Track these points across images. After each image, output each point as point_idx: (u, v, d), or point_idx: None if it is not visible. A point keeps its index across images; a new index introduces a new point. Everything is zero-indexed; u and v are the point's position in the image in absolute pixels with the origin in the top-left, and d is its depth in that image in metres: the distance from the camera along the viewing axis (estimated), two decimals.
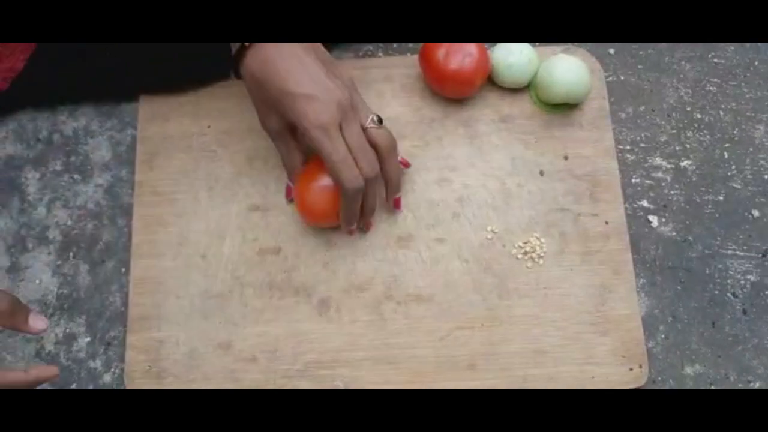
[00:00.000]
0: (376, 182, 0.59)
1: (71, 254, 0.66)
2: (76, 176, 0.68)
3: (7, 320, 0.47)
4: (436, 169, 0.67)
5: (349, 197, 0.57)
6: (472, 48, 0.63)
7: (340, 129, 0.55)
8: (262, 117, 0.59)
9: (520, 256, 0.64)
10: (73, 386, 0.63)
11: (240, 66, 0.57)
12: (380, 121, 0.58)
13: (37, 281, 0.66)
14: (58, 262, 0.66)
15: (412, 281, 0.64)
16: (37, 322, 0.48)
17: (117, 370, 0.63)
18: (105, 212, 0.67)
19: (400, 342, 0.62)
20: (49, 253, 0.66)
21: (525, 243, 0.64)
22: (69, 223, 0.67)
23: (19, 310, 0.47)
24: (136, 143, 0.68)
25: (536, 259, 0.64)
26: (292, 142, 0.61)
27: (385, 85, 0.68)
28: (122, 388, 0.62)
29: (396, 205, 0.64)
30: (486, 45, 0.66)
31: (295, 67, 0.54)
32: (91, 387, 0.63)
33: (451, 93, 0.67)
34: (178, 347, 0.62)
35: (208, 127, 0.68)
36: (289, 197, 0.65)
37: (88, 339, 0.64)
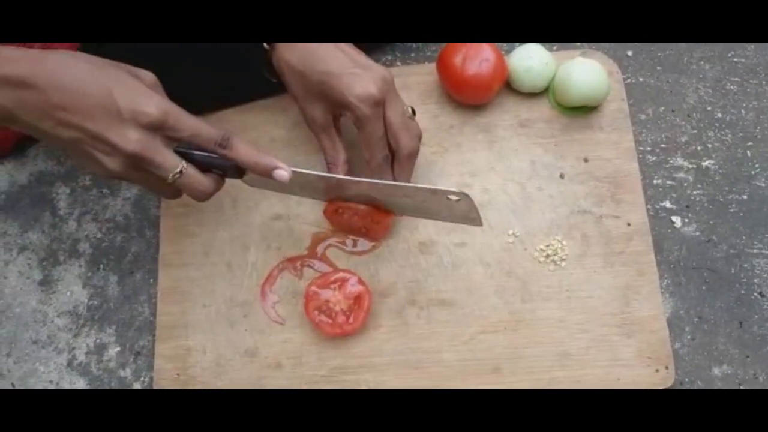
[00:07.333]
0: (414, 159, 0.61)
1: (101, 266, 0.68)
2: (104, 190, 0.70)
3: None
4: (456, 175, 0.67)
5: (378, 173, 0.60)
6: (489, 53, 0.64)
7: (383, 106, 0.57)
8: (308, 111, 0.60)
9: (542, 259, 0.64)
10: None
11: (278, 62, 0.58)
12: (414, 113, 0.60)
13: (69, 293, 0.67)
14: (89, 274, 0.68)
15: (435, 286, 0.64)
16: None
17: (146, 379, 0.64)
18: (133, 225, 0.69)
19: (424, 346, 0.62)
20: (80, 266, 0.68)
21: (547, 246, 0.64)
22: (98, 235, 0.69)
23: None
24: None
25: (558, 262, 0.64)
26: (337, 137, 0.62)
27: (402, 93, 0.68)
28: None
29: None
30: (503, 50, 0.67)
31: (335, 51, 0.56)
32: None
33: (469, 98, 0.67)
34: (205, 355, 0.63)
35: None
36: None
37: (118, 348, 0.66)
